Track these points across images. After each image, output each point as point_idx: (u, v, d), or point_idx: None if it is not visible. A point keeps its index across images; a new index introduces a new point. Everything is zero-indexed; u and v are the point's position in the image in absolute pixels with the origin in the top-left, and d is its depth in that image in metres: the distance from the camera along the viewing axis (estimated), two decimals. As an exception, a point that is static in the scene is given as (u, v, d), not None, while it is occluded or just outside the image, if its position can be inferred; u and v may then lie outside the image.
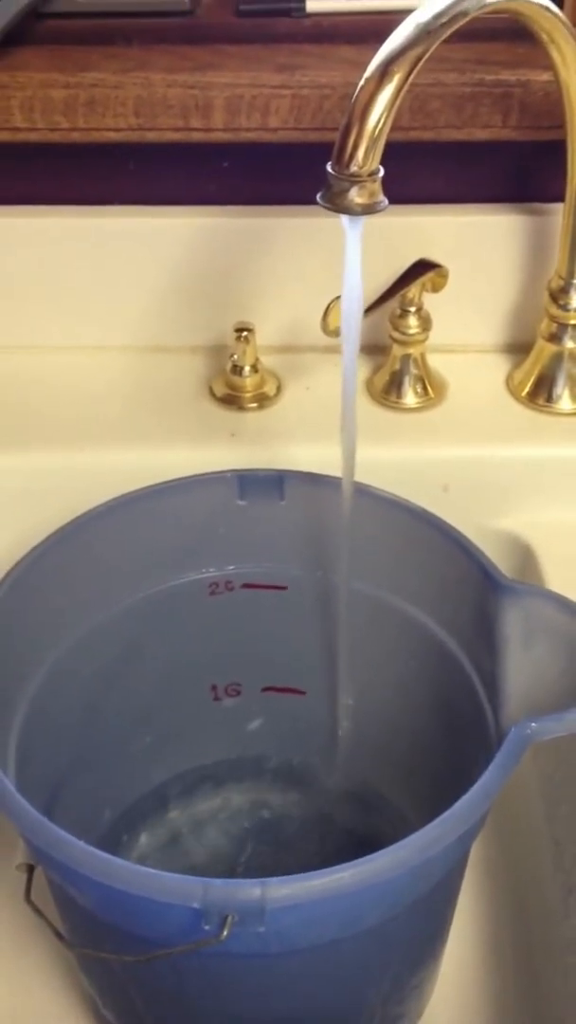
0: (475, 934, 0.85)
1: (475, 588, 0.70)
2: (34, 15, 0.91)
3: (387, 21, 0.65)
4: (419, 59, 0.63)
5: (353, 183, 0.63)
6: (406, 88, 0.63)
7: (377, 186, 0.64)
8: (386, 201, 0.64)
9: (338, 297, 0.69)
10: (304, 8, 0.93)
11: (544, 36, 0.76)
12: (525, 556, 0.88)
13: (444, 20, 0.64)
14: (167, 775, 0.91)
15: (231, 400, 0.93)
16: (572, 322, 0.90)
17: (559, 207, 0.87)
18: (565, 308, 0.89)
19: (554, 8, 0.74)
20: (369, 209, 0.64)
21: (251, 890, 0.53)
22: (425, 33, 0.64)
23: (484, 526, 0.87)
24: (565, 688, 0.64)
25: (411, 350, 0.92)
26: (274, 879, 0.54)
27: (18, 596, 0.71)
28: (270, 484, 0.79)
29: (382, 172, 0.64)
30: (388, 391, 0.93)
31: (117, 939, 0.61)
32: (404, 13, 0.65)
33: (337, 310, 0.75)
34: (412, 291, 0.89)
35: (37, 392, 0.95)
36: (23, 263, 0.94)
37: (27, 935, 0.84)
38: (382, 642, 0.80)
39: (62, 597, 0.76)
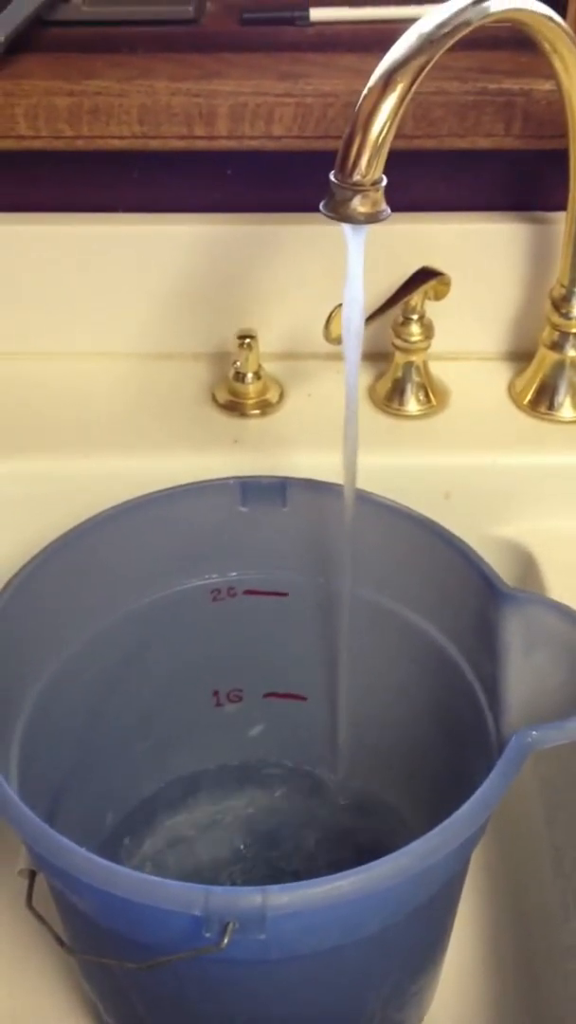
0: (475, 939, 0.85)
1: (476, 596, 0.70)
2: (39, 23, 0.91)
3: (390, 30, 0.65)
4: (422, 68, 0.63)
5: (356, 192, 0.63)
6: (409, 97, 0.63)
7: (380, 195, 0.64)
8: (388, 210, 0.64)
9: (340, 305, 0.70)
10: (308, 17, 0.93)
11: (547, 45, 0.76)
12: (526, 564, 0.88)
13: (447, 30, 0.65)
14: (169, 780, 0.91)
15: (234, 407, 0.94)
16: (574, 330, 0.90)
17: (561, 216, 0.88)
18: (567, 316, 0.89)
19: (557, 17, 0.75)
20: (372, 218, 0.64)
21: (252, 898, 0.53)
22: (428, 42, 0.64)
23: (485, 533, 0.87)
24: (566, 696, 0.64)
25: (413, 357, 0.92)
26: (275, 887, 0.54)
27: (21, 601, 0.71)
28: (272, 491, 0.80)
29: (385, 181, 0.64)
30: (390, 398, 0.93)
31: (118, 946, 0.61)
32: (407, 22, 0.65)
33: (339, 318, 0.75)
34: (414, 299, 0.89)
35: (41, 398, 0.95)
36: (27, 270, 0.94)
37: (28, 941, 0.84)
38: (383, 649, 0.81)
39: (65, 602, 0.76)
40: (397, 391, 0.93)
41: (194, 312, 0.97)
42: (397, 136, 0.63)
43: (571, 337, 0.90)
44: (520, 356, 0.98)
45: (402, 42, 0.64)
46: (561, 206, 0.87)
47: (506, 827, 0.88)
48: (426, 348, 0.92)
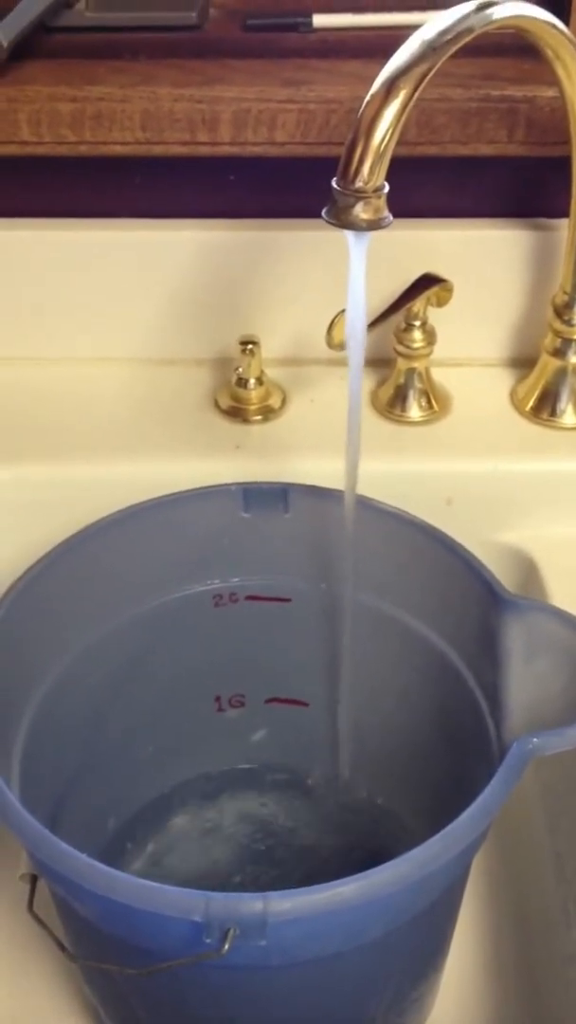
0: (476, 946, 0.85)
1: (478, 602, 0.71)
2: (42, 29, 0.91)
3: (393, 36, 0.65)
4: (425, 75, 0.63)
5: (358, 199, 0.63)
6: (412, 104, 0.63)
7: (382, 202, 0.64)
8: (391, 217, 0.65)
9: (343, 311, 0.70)
10: (311, 23, 0.94)
11: (550, 52, 0.76)
12: (528, 570, 0.88)
13: (450, 37, 0.65)
14: (171, 785, 0.91)
15: (236, 412, 0.94)
16: None
17: (564, 222, 0.88)
18: (569, 323, 0.89)
19: (560, 24, 0.75)
20: (374, 225, 0.64)
21: (253, 904, 0.53)
22: (431, 49, 0.64)
23: (487, 540, 0.87)
24: (567, 703, 0.64)
25: (416, 364, 0.92)
26: (275, 893, 0.54)
27: (25, 606, 0.71)
28: (274, 497, 0.80)
29: (387, 188, 0.64)
30: (392, 404, 0.93)
31: (119, 951, 0.61)
32: (411, 29, 0.65)
33: (342, 324, 0.76)
34: (417, 305, 0.89)
35: (43, 404, 0.95)
36: (30, 276, 0.95)
37: (30, 945, 0.84)
38: (385, 654, 0.81)
39: (68, 607, 0.76)
40: (399, 397, 0.93)
41: (197, 318, 0.97)
42: (400, 143, 0.64)
43: (573, 344, 0.90)
44: (522, 362, 0.98)
45: (405, 49, 0.64)
46: (564, 213, 0.87)
47: (507, 833, 0.88)
48: (428, 354, 0.92)
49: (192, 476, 0.81)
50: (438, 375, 0.95)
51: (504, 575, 0.78)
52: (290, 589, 0.82)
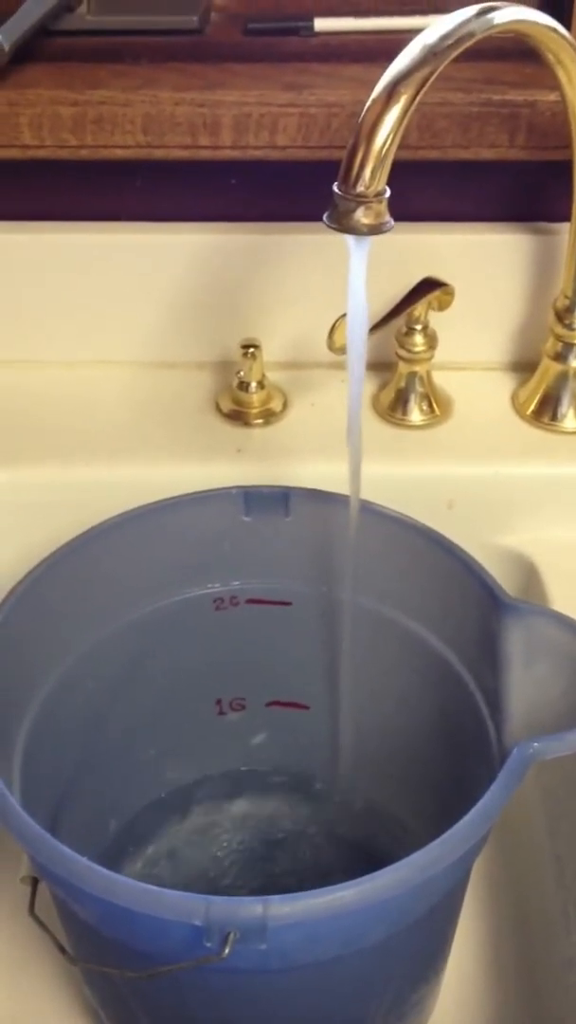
0: (476, 950, 0.85)
1: (478, 606, 0.71)
2: (44, 32, 0.91)
3: (395, 41, 0.65)
4: (426, 80, 0.63)
5: (359, 203, 0.63)
6: (413, 109, 0.63)
7: (383, 206, 0.64)
8: (392, 222, 0.65)
9: (344, 315, 0.70)
10: (312, 27, 0.94)
11: (551, 57, 0.76)
12: (529, 574, 0.88)
13: (451, 41, 0.65)
14: (171, 788, 0.91)
15: (237, 416, 0.94)
16: (577, 341, 0.91)
17: (565, 227, 0.88)
18: (570, 327, 0.89)
19: (561, 29, 0.75)
20: (375, 230, 0.64)
21: (253, 908, 0.53)
22: (432, 54, 0.64)
23: (488, 543, 0.87)
24: (567, 707, 0.64)
25: (417, 367, 0.92)
26: (276, 897, 0.54)
27: (25, 609, 0.71)
28: (275, 500, 0.80)
29: (388, 192, 0.64)
30: (394, 408, 0.94)
31: (119, 954, 0.61)
32: (412, 33, 0.65)
33: (343, 328, 0.76)
34: (418, 309, 0.89)
35: (44, 407, 0.95)
36: (31, 279, 0.95)
37: (31, 948, 0.84)
38: (385, 658, 0.81)
39: (69, 610, 0.76)
40: (400, 401, 0.93)
41: (198, 321, 0.97)
42: (401, 146, 0.63)
43: (574, 348, 0.90)
44: (523, 367, 0.98)
45: (406, 53, 0.64)
46: (565, 217, 0.87)
47: (508, 837, 0.88)
48: (429, 358, 0.92)
49: (193, 479, 0.81)
50: (439, 379, 0.95)
51: (505, 579, 0.78)
52: (291, 592, 0.82)
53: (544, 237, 0.92)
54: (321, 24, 0.94)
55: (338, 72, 0.89)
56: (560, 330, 0.90)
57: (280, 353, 0.97)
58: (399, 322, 0.90)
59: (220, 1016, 0.65)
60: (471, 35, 0.66)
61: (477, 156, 0.87)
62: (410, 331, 0.91)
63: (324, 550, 0.80)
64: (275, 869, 0.89)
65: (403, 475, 0.89)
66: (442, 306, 0.89)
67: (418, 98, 0.63)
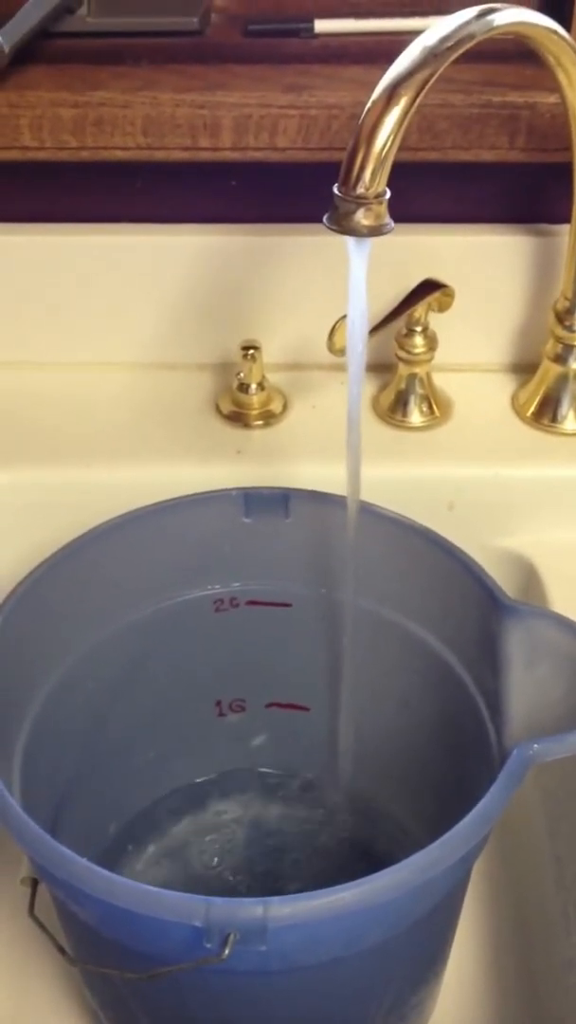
0: (476, 951, 0.85)
1: (479, 608, 0.71)
2: (44, 34, 0.91)
3: (395, 42, 0.65)
4: (426, 82, 0.63)
5: (359, 205, 0.63)
6: (413, 110, 0.63)
7: (383, 208, 0.64)
8: (392, 223, 0.64)
9: (344, 316, 0.70)
10: (312, 29, 0.94)
11: (551, 58, 0.76)
12: (529, 575, 0.88)
13: (451, 43, 0.65)
14: (171, 789, 0.91)
15: (237, 417, 0.94)
16: (577, 343, 0.91)
17: (565, 228, 0.88)
18: (570, 329, 0.89)
19: (561, 31, 0.75)
20: (375, 231, 0.64)
21: (253, 909, 0.53)
22: (432, 56, 0.64)
23: (488, 545, 0.87)
24: (568, 709, 0.64)
25: (417, 369, 0.92)
26: (276, 898, 0.54)
27: (25, 610, 0.71)
28: (275, 502, 0.80)
29: (388, 194, 0.64)
30: (394, 410, 0.94)
31: (119, 955, 0.61)
32: (412, 35, 0.65)
33: (343, 330, 0.76)
34: (418, 311, 0.89)
35: (44, 409, 0.95)
36: (31, 280, 0.95)
37: (30, 949, 0.84)
38: (385, 660, 0.81)
39: (69, 612, 0.76)
40: (400, 403, 0.93)
41: (198, 323, 0.97)
42: (401, 148, 0.63)
43: (575, 350, 0.90)
44: (524, 368, 0.98)
45: (406, 55, 0.64)
46: (565, 219, 0.87)
47: (508, 838, 0.88)
48: (429, 360, 0.92)
49: (193, 481, 0.81)
50: (439, 380, 0.95)
51: (505, 580, 0.78)
52: (291, 594, 0.82)
53: (544, 239, 0.92)
54: (321, 26, 0.94)
55: (338, 74, 0.89)
56: (560, 332, 0.90)
57: (280, 355, 0.97)
58: (399, 324, 0.90)
59: (220, 1017, 0.65)
60: (471, 37, 0.66)
61: (477, 158, 0.87)
62: (410, 333, 0.91)
63: (324, 551, 0.80)
64: (275, 871, 0.88)
65: (403, 477, 0.89)
66: (442, 308, 0.89)
67: (418, 100, 0.63)
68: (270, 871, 0.88)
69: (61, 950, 0.65)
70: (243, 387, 0.93)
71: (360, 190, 0.63)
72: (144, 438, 0.92)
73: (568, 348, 0.90)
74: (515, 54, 0.87)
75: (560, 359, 0.91)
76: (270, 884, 0.87)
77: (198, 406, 0.95)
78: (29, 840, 0.58)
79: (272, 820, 0.91)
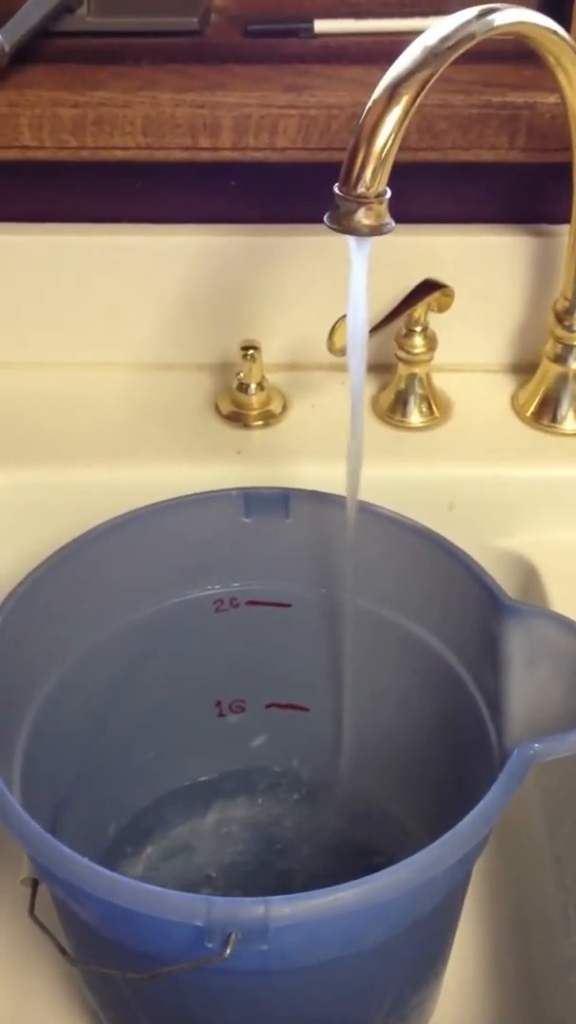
0: (476, 952, 0.85)
1: (479, 608, 0.71)
2: (44, 34, 0.91)
3: (395, 42, 0.65)
4: (426, 81, 0.63)
5: (360, 204, 0.63)
6: (414, 110, 0.63)
7: (384, 208, 0.64)
8: (393, 223, 0.65)
9: (344, 316, 0.70)
10: (312, 29, 0.94)
11: (551, 59, 0.76)
12: (529, 575, 0.88)
13: (451, 43, 0.65)
14: (171, 790, 0.91)
15: (237, 418, 0.94)
16: (577, 343, 0.91)
17: (565, 228, 0.88)
18: (570, 329, 0.89)
19: (561, 31, 0.75)
20: (376, 231, 0.64)
21: (255, 908, 0.53)
22: (432, 56, 0.64)
23: (488, 545, 0.87)
24: (568, 709, 0.64)
25: (416, 369, 0.92)
26: (277, 898, 0.54)
27: (25, 611, 0.71)
28: (275, 502, 0.80)
29: (389, 193, 0.64)
30: (393, 410, 0.94)
31: (120, 955, 0.61)
32: (412, 35, 0.65)
33: (343, 329, 0.76)
34: (418, 311, 0.89)
35: (44, 409, 0.95)
36: (31, 280, 0.95)
37: (31, 950, 0.84)
38: (386, 660, 0.81)
39: (69, 612, 0.76)
40: (400, 403, 0.93)
41: (198, 323, 0.97)
42: (401, 148, 0.63)
43: (574, 350, 0.90)
44: (523, 368, 0.98)
45: (407, 55, 0.64)
46: (565, 219, 0.87)
47: (508, 838, 0.88)
48: (429, 360, 0.92)
49: (193, 481, 0.81)
50: (439, 381, 0.95)
51: (505, 580, 0.78)
52: (291, 594, 0.82)
53: (544, 239, 0.92)
54: (321, 26, 0.94)
55: (338, 74, 0.89)
56: (560, 332, 0.90)
57: (280, 355, 0.97)
58: (399, 324, 0.90)
59: (220, 1017, 0.65)
60: (472, 37, 0.66)
61: (477, 158, 0.87)
62: (410, 333, 0.91)
63: (324, 551, 0.80)
64: (275, 871, 0.88)
65: (403, 477, 0.89)
66: (442, 308, 0.89)
67: (419, 99, 0.63)
68: (270, 871, 0.88)
69: (62, 950, 0.65)
70: (243, 387, 0.93)
71: (361, 189, 0.63)
72: (144, 438, 0.92)
73: (568, 348, 0.90)
74: (515, 54, 0.87)
75: (560, 359, 0.91)
76: (270, 884, 0.87)
77: (198, 406, 0.95)
78: (30, 839, 0.58)
79: (272, 820, 0.91)
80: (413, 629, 0.78)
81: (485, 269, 0.93)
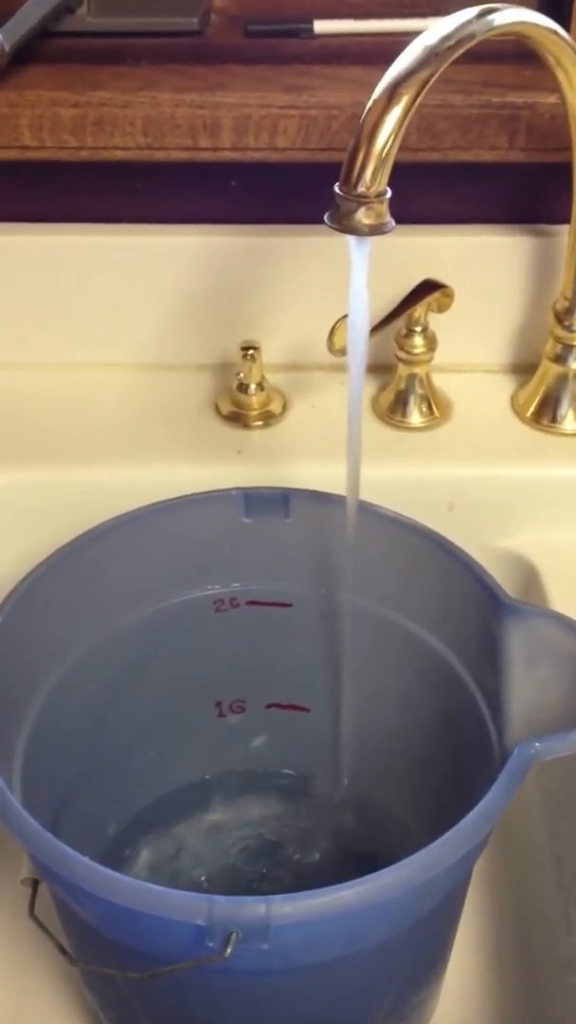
0: (477, 951, 0.85)
1: (479, 608, 0.71)
2: (44, 34, 0.91)
3: (395, 43, 0.65)
4: (427, 81, 0.63)
5: (360, 204, 0.63)
6: (414, 110, 0.63)
7: (384, 207, 0.64)
8: (393, 222, 0.65)
9: (344, 316, 0.70)
10: (312, 29, 0.94)
11: (551, 59, 0.76)
12: (529, 575, 0.88)
13: (451, 43, 0.65)
14: (171, 789, 0.91)
15: (237, 418, 0.94)
16: (577, 343, 0.91)
17: (565, 228, 0.88)
18: (570, 329, 0.89)
19: (561, 31, 0.75)
20: (376, 230, 0.64)
21: (255, 907, 0.53)
22: (433, 55, 0.64)
23: (488, 545, 0.87)
24: (569, 708, 0.64)
25: (416, 369, 0.92)
26: (278, 897, 0.54)
27: (25, 611, 0.71)
28: (275, 502, 0.80)
29: (389, 193, 0.64)
30: (393, 410, 0.94)
31: (121, 955, 0.61)
32: (412, 35, 0.65)
33: (343, 329, 0.76)
34: (418, 311, 0.89)
35: (44, 409, 0.95)
36: (31, 281, 0.95)
37: (31, 950, 0.84)
38: (386, 660, 0.81)
39: (68, 612, 0.76)
40: (400, 403, 0.93)
41: (198, 323, 0.97)
42: (401, 148, 0.63)
43: (574, 350, 0.90)
44: (523, 368, 0.98)
45: (406, 55, 0.64)
46: (564, 219, 0.87)
47: (508, 838, 0.88)
48: (429, 360, 0.92)
49: (193, 481, 0.81)
50: (439, 381, 0.95)
51: (505, 580, 0.78)
52: (291, 594, 0.82)
53: (544, 239, 0.92)
54: (321, 26, 0.94)
55: (338, 74, 0.89)
56: (560, 332, 0.90)
57: (280, 355, 0.97)
58: (399, 324, 0.90)
59: (221, 1017, 0.65)
60: (472, 37, 0.66)
61: (477, 158, 0.87)
62: (410, 333, 0.91)
63: (324, 552, 0.80)
64: (275, 870, 0.88)
65: (403, 477, 0.89)
66: (442, 308, 0.89)
67: (419, 99, 0.63)
68: (270, 871, 0.88)
69: (62, 950, 0.65)
70: (243, 387, 0.93)
71: (361, 189, 0.63)
72: (144, 438, 0.92)
73: (567, 348, 0.90)
74: (515, 54, 0.87)
75: (559, 359, 0.91)
76: (270, 884, 0.87)
77: (198, 406, 0.96)
78: (31, 839, 0.58)
79: (272, 820, 0.91)
80: (413, 629, 0.78)
81: (485, 269, 0.94)
